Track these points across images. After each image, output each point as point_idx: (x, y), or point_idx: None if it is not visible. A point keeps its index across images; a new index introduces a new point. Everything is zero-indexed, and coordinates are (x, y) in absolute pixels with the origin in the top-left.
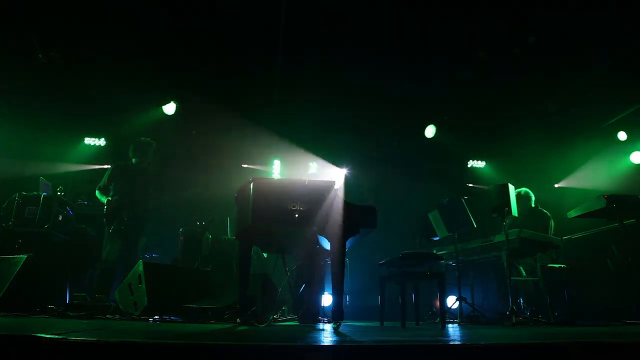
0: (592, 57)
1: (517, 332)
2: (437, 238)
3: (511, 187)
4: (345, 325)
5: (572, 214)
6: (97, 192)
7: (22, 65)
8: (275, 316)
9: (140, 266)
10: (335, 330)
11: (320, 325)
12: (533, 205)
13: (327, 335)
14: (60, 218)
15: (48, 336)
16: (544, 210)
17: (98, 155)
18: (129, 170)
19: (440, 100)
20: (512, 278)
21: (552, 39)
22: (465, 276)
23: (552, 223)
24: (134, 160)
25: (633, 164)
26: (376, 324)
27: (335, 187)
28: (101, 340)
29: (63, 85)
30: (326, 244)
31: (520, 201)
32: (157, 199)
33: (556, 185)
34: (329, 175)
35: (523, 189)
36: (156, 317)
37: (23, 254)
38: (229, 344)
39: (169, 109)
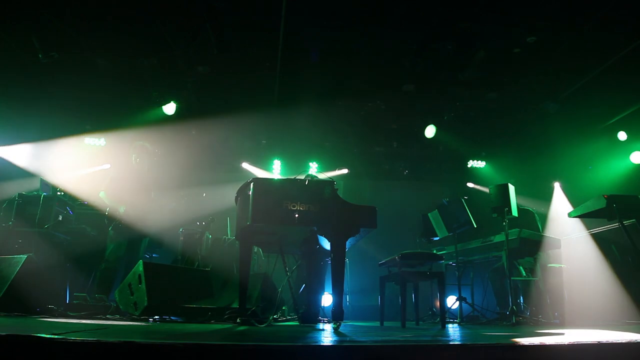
0: (592, 56)
1: (517, 332)
2: (437, 238)
3: (511, 187)
4: (345, 325)
5: (572, 214)
6: (101, 194)
7: (22, 65)
8: (275, 316)
9: (140, 266)
10: (335, 330)
11: (320, 325)
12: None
13: (327, 335)
14: (60, 218)
15: (48, 336)
16: (527, 208)
17: (98, 155)
18: (129, 172)
19: (440, 100)
20: (512, 278)
21: (552, 39)
22: (465, 276)
23: (537, 217)
24: (136, 161)
25: (633, 164)
26: (376, 324)
27: (335, 187)
28: (101, 340)
29: (63, 85)
30: (326, 244)
31: None
32: (157, 199)
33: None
34: (329, 175)
35: None
36: (156, 317)
37: (23, 254)
38: (229, 344)
39: (169, 109)
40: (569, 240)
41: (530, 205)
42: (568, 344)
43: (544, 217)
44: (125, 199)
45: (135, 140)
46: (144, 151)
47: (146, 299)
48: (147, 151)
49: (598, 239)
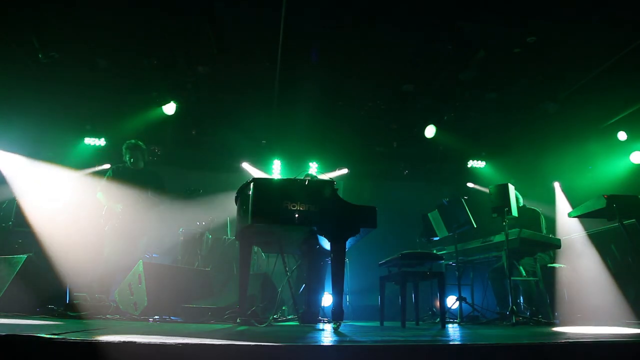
0: (592, 56)
1: (517, 332)
2: (437, 238)
3: (511, 187)
4: (345, 325)
5: (572, 214)
6: (98, 194)
7: (22, 65)
8: (275, 316)
9: (140, 266)
10: (335, 330)
11: (320, 325)
12: (521, 204)
13: (327, 335)
14: None
15: (48, 336)
16: (533, 208)
17: (98, 155)
18: (128, 172)
19: (440, 100)
20: (512, 278)
21: (552, 39)
22: (465, 276)
23: (543, 218)
24: (130, 162)
25: (633, 164)
26: (376, 324)
27: (335, 187)
28: (101, 340)
29: (63, 85)
30: (326, 244)
31: None
32: (156, 199)
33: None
34: (329, 175)
35: None
36: (156, 317)
37: (23, 254)
38: (229, 344)
39: (169, 109)
40: (569, 240)
41: (531, 205)
42: (568, 344)
43: (550, 220)
44: (123, 199)
45: (129, 140)
46: (137, 150)
47: (146, 299)
48: (140, 150)
49: (598, 239)
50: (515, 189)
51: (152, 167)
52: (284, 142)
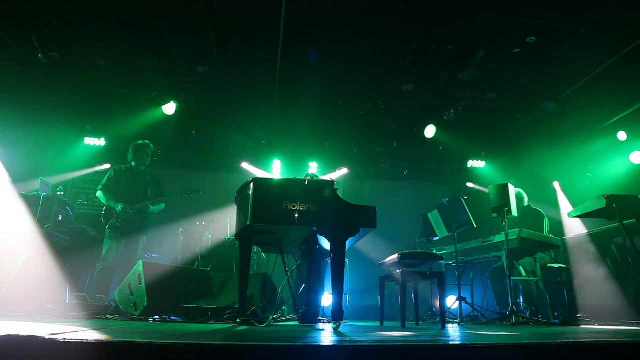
0: (592, 56)
1: (517, 332)
2: (437, 238)
3: (511, 187)
4: (345, 325)
5: (572, 214)
6: (98, 193)
7: (22, 65)
8: (275, 316)
9: (140, 266)
10: (335, 330)
11: (320, 325)
12: (526, 204)
13: (327, 335)
14: (60, 218)
15: (48, 336)
16: (538, 209)
17: (98, 155)
18: (128, 173)
19: (440, 100)
20: (512, 278)
21: (552, 39)
22: (465, 276)
23: (547, 221)
24: (133, 163)
25: (633, 164)
26: (376, 324)
27: (335, 187)
28: (101, 340)
29: (63, 85)
30: (326, 244)
31: None
32: (156, 201)
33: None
34: (329, 175)
35: (516, 190)
36: (156, 317)
37: (23, 254)
38: (229, 344)
39: (169, 109)
40: (569, 240)
41: (534, 206)
42: (567, 344)
43: (554, 221)
44: (123, 198)
45: (136, 140)
46: (147, 150)
47: (146, 299)
48: (150, 149)
49: (598, 239)
50: (519, 190)
51: (153, 167)
52: (284, 142)
